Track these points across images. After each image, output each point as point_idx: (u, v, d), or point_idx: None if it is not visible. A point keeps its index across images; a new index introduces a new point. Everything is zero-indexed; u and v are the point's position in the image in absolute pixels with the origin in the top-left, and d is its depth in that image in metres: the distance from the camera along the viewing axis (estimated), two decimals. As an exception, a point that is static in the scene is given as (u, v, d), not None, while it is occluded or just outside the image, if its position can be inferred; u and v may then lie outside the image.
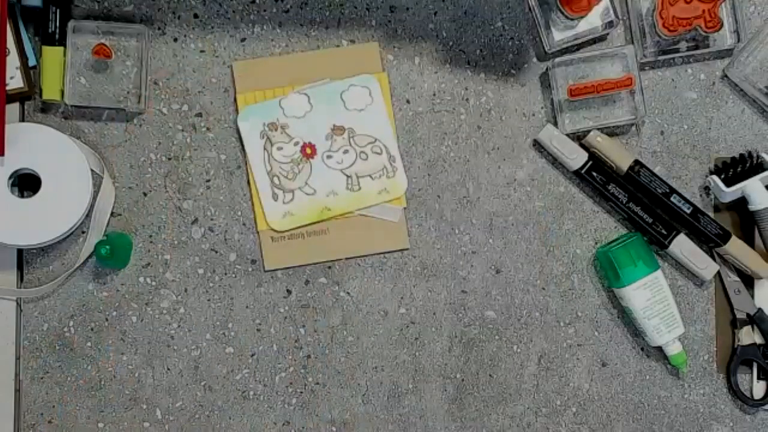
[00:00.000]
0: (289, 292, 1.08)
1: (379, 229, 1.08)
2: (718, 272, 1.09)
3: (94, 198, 1.04)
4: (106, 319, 1.07)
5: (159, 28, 1.07)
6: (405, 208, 1.09)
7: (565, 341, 1.09)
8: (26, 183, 1.05)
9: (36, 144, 1.02)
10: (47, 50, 1.04)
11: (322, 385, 1.08)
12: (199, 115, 1.07)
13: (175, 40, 1.07)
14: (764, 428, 1.10)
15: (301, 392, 1.08)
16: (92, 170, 1.03)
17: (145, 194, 1.07)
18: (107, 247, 0.97)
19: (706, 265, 1.08)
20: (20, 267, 1.06)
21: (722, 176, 1.07)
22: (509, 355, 1.09)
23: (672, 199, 1.07)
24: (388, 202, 1.08)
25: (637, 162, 1.07)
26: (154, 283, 1.07)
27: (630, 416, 1.10)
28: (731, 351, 1.10)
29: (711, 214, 1.09)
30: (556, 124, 1.08)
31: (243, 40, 1.08)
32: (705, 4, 1.06)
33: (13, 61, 1.02)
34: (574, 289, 1.09)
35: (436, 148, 1.09)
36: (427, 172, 1.09)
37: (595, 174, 1.07)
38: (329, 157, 1.07)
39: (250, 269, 1.07)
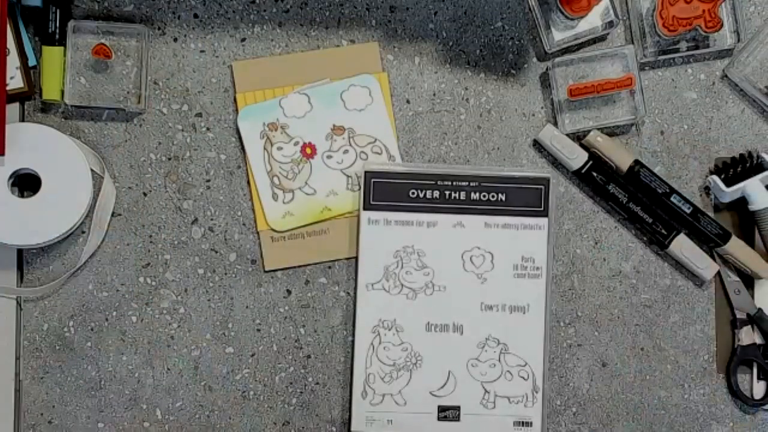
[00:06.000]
0: (289, 292, 1.08)
1: (379, 229, 1.08)
2: (718, 272, 1.09)
3: (94, 198, 1.04)
4: (106, 319, 1.07)
5: (159, 28, 1.07)
6: (405, 208, 1.09)
7: (565, 341, 1.09)
8: (26, 183, 1.05)
9: (36, 144, 1.02)
10: (47, 50, 1.04)
11: (322, 385, 1.08)
12: (199, 115, 1.07)
13: (175, 40, 1.07)
14: (764, 428, 1.10)
15: (301, 392, 1.08)
16: (92, 170, 1.03)
17: (145, 194, 1.07)
18: None
19: (706, 265, 1.08)
20: (20, 267, 1.06)
21: (722, 176, 1.07)
22: (509, 355, 1.09)
23: (672, 199, 1.07)
24: (388, 202, 1.08)
25: (637, 162, 1.07)
26: (154, 283, 1.07)
27: (630, 416, 1.10)
28: (731, 351, 1.10)
29: (711, 214, 1.09)
30: (556, 124, 1.08)
31: (243, 40, 1.08)
32: (705, 4, 1.06)
33: (13, 61, 1.02)
34: (574, 289, 1.09)
35: (436, 148, 1.09)
36: (427, 172, 1.09)
37: (595, 174, 1.07)
38: (329, 157, 1.07)
39: (250, 269, 1.07)
